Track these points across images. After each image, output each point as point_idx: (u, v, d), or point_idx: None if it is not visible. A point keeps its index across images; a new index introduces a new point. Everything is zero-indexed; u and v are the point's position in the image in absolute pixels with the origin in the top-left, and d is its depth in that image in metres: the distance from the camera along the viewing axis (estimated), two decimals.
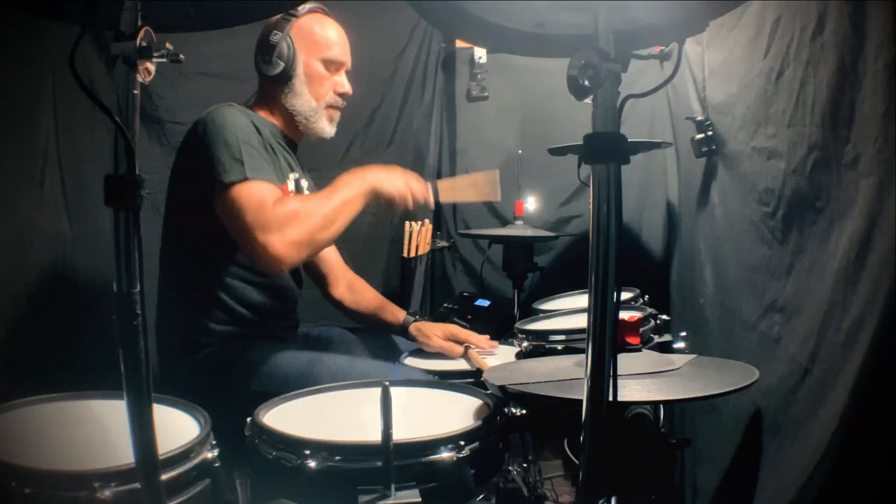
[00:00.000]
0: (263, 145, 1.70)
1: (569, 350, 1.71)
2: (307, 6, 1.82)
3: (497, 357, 1.96)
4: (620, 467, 1.13)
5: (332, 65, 1.86)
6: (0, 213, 1.76)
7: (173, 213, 1.78)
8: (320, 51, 1.83)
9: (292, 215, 1.58)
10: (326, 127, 1.89)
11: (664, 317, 1.94)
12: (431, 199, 1.81)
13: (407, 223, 2.85)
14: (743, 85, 1.85)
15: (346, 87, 1.89)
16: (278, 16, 1.78)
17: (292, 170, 1.86)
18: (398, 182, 1.74)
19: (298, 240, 1.58)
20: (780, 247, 1.68)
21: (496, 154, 2.89)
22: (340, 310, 2.16)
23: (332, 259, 2.13)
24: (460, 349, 1.96)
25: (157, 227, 1.79)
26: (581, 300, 2.22)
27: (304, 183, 1.91)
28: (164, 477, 0.93)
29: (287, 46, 1.78)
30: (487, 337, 2.01)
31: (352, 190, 1.68)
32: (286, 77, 1.80)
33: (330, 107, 1.88)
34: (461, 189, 1.93)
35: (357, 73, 1.94)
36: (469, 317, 2.45)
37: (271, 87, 1.84)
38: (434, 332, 2.00)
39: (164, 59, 0.88)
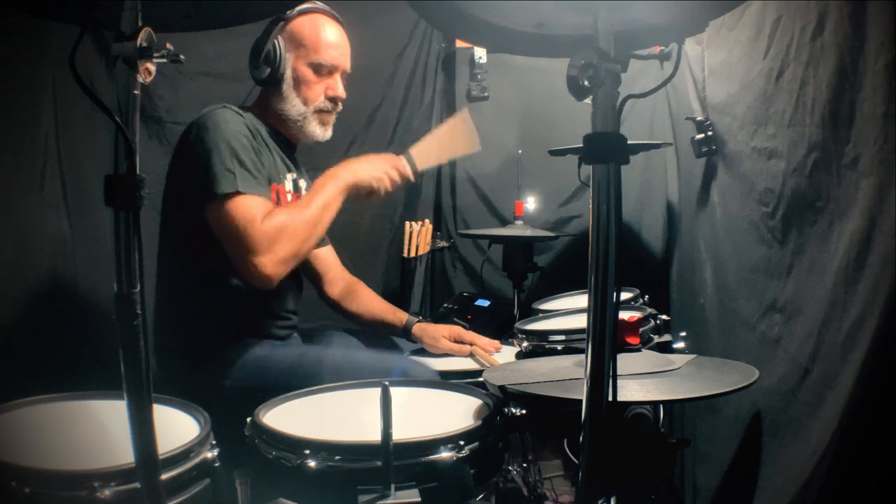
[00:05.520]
0: (256, 149, 1.69)
1: (569, 350, 1.71)
2: (297, 8, 1.78)
3: (497, 357, 1.96)
4: (620, 467, 1.13)
5: (322, 69, 1.80)
6: (0, 213, 1.76)
7: (170, 215, 1.77)
8: (308, 55, 1.79)
9: (280, 230, 1.60)
10: (318, 131, 1.85)
11: (664, 317, 1.93)
12: (409, 172, 1.83)
13: (407, 223, 2.85)
14: (743, 85, 1.85)
15: (339, 90, 1.83)
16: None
17: (289, 170, 1.85)
18: (373, 169, 1.76)
19: (287, 257, 1.62)
20: (780, 247, 1.67)
21: (496, 154, 2.89)
22: (337, 311, 2.14)
23: (328, 259, 2.12)
24: (468, 349, 1.96)
25: (157, 227, 1.79)
26: (581, 300, 2.22)
27: (303, 183, 1.90)
28: (164, 477, 0.94)
29: (273, 50, 1.74)
30: (490, 341, 2.01)
31: (329, 192, 1.70)
32: (274, 81, 1.78)
33: (321, 111, 1.83)
34: (436, 149, 1.92)
35: (357, 73, 1.93)
36: (469, 317, 2.45)
37: (265, 90, 1.83)
38: (441, 334, 1.99)
39: (164, 59, 0.88)
